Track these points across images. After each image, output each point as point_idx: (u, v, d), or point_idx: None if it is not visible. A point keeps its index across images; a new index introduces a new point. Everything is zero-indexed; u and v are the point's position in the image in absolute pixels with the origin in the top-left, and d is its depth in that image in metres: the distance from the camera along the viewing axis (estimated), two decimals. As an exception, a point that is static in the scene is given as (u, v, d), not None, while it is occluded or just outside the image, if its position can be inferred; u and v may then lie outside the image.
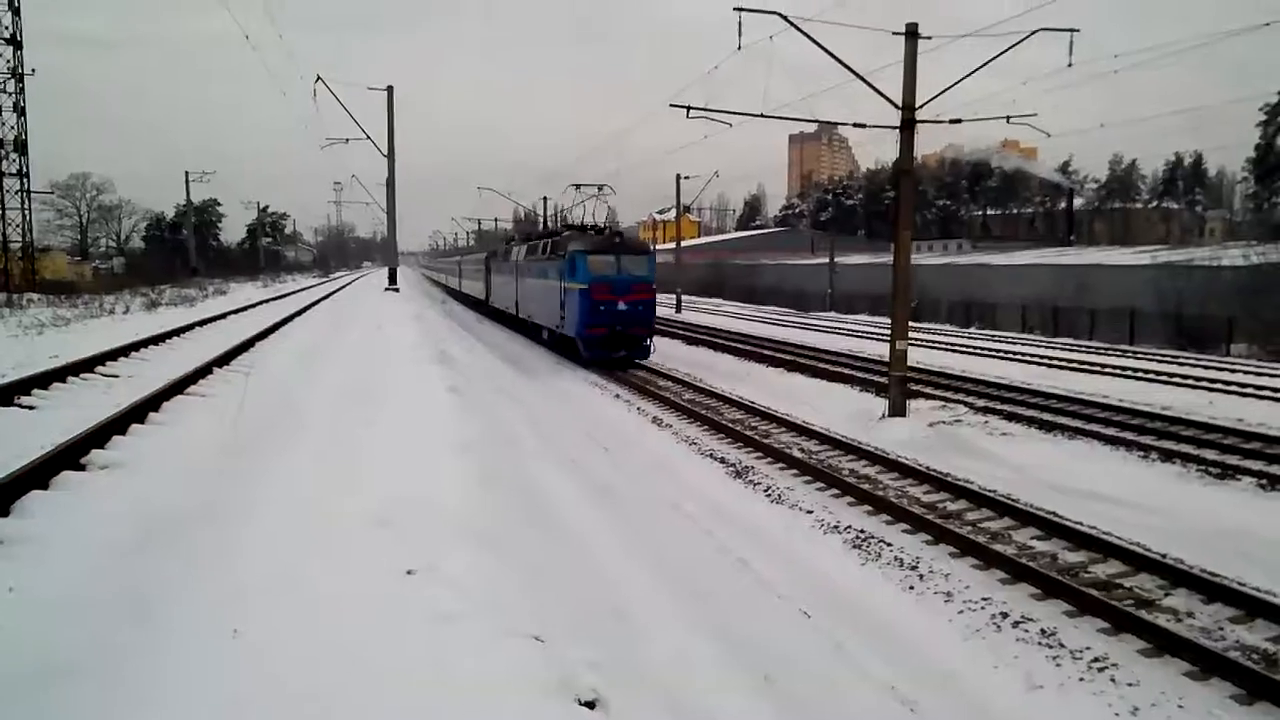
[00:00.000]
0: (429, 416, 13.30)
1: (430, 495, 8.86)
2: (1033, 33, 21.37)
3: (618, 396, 23.84)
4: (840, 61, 22.14)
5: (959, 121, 24.81)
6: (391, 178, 45.81)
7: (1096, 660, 8.37)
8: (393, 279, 51.21)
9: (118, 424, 11.45)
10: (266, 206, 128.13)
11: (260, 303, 46.80)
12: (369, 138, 44.20)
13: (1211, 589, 9.72)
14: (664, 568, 9.76)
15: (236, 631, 5.64)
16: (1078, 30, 21.51)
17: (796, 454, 16.29)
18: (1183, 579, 10.06)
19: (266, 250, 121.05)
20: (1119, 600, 9.58)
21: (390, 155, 44.75)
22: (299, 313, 38.22)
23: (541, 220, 75.17)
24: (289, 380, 17.06)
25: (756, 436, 17.88)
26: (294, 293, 62.89)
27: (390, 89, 44.14)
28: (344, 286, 76.30)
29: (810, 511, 13.07)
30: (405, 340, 24.89)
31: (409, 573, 6.70)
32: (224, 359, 19.51)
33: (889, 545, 11.55)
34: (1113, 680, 8.01)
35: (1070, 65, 21.93)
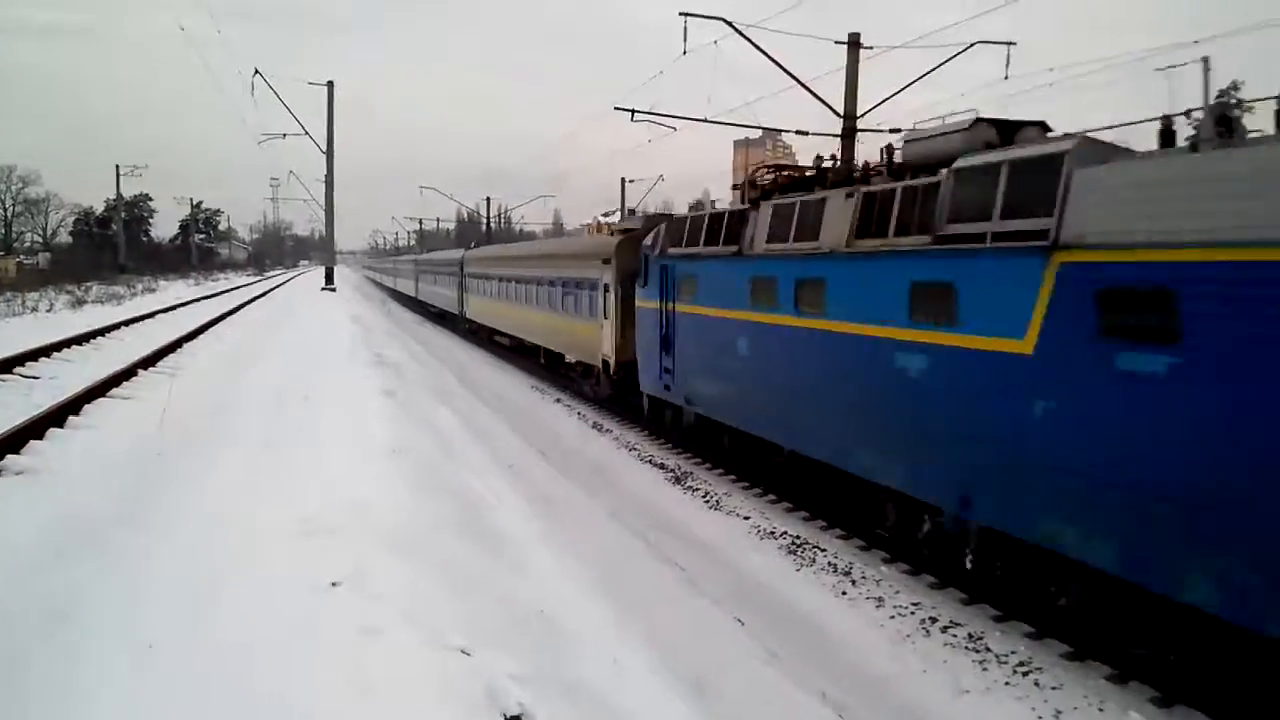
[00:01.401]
0: (362, 422, 13.06)
1: (360, 503, 8.68)
2: (970, 45, 21.84)
3: (558, 401, 23.73)
4: (783, 68, 22.34)
5: (898, 131, 25.28)
6: (330, 174, 45.09)
7: (1022, 664, 8.54)
8: (330, 279, 50.34)
9: (35, 428, 11.02)
10: (200, 202, 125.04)
11: (191, 301, 45.62)
12: (307, 133, 43.50)
13: None
14: (600, 575, 9.70)
15: (151, 646, 5.44)
16: (1014, 44, 22.05)
17: (733, 461, 16.32)
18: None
19: (199, 247, 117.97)
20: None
21: (329, 152, 44.03)
22: (231, 312, 37.31)
23: (485, 221, 74.58)
24: (218, 383, 16.62)
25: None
26: (226, 291, 61.45)
27: (330, 84, 43.44)
28: (279, 286, 74.73)
29: (747, 518, 13.13)
30: (341, 343, 24.45)
31: (334, 584, 6.54)
32: (150, 360, 18.95)
33: (823, 551, 11.65)
34: (1037, 684, 8.17)
35: (1007, 78, 22.46)
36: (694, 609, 9.43)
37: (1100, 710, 7.67)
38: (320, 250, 76.94)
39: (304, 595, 6.25)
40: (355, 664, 5.19)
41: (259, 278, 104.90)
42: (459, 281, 42.29)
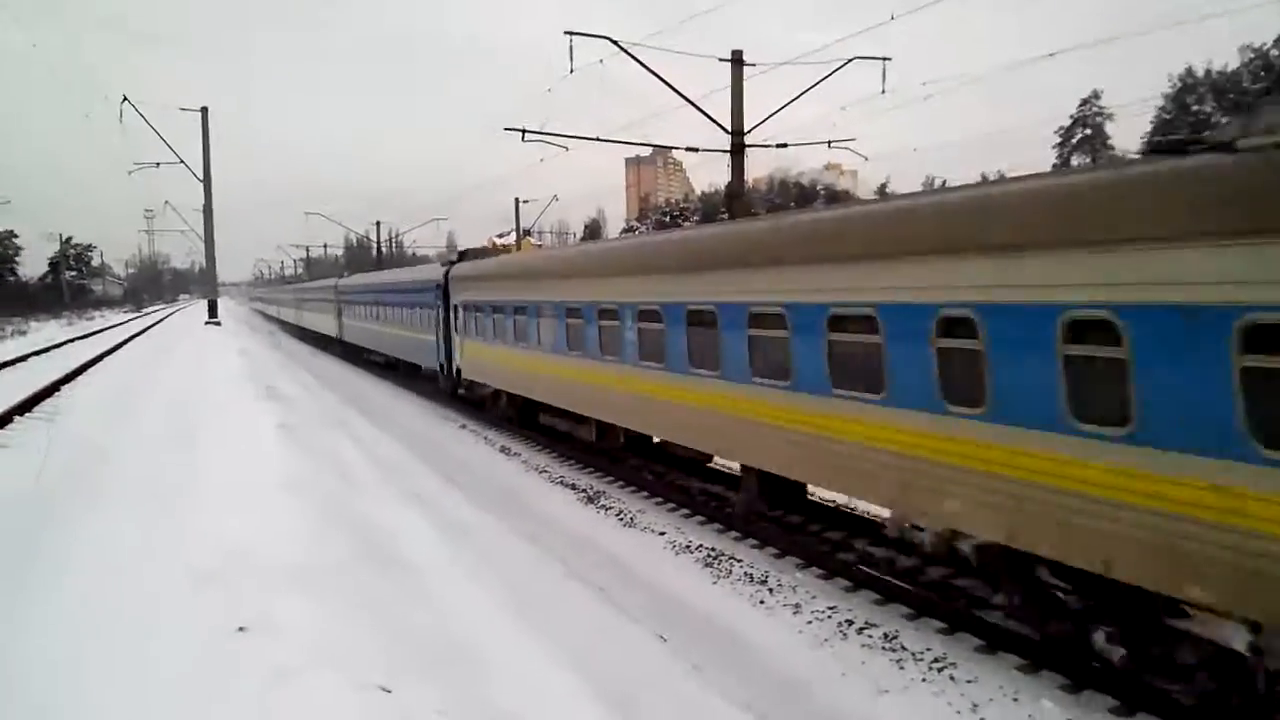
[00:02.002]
0: (257, 458, 12.56)
1: (261, 543, 8.33)
2: (848, 61, 22.62)
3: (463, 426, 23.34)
4: (670, 86, 22.67)
5: (785, 146, 25.97)
6: (209, 203, 43.50)
7: (937, 661, 8.73)
8: (213, 311, 48.46)
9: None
10: (70, 238, 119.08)
11: (66, 343, 43.22)
12: (182, 161, 41.82)
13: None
14: (519, 601, 9.54)
15: (44, 709, 5.08)
16: (890, 59, 22.93)
17: (647, 476, 16.30)
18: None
19: (71, 285, 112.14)
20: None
21: (207, 180, 42.48)
22: (110, 352, 35.51)
23: (375, 246, 73.02)
24: (100, 427, 15.74)
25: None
26: (103, 330, 58.50)
27: (205, 110, 41.96)
28: (159, 322, 71.54)
29: (663, 533, 13.12)
30: (229, 377, 23.52)
31: (240, 630, 6.23)
32: (26, 405, 17.85)
33: (739, 561, 11.72)
34: (952, 679, 8.37)
35: (884, 92, 23.30)
36: (615, 628, 9.34)
37: (1015, 700, 7.89)
38: (201, 283, 73.70)
39: (209, 643, 5.94)
40: (270, 709, 4.95)
41: (137, 314, 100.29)
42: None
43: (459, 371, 24.34)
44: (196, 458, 12.01)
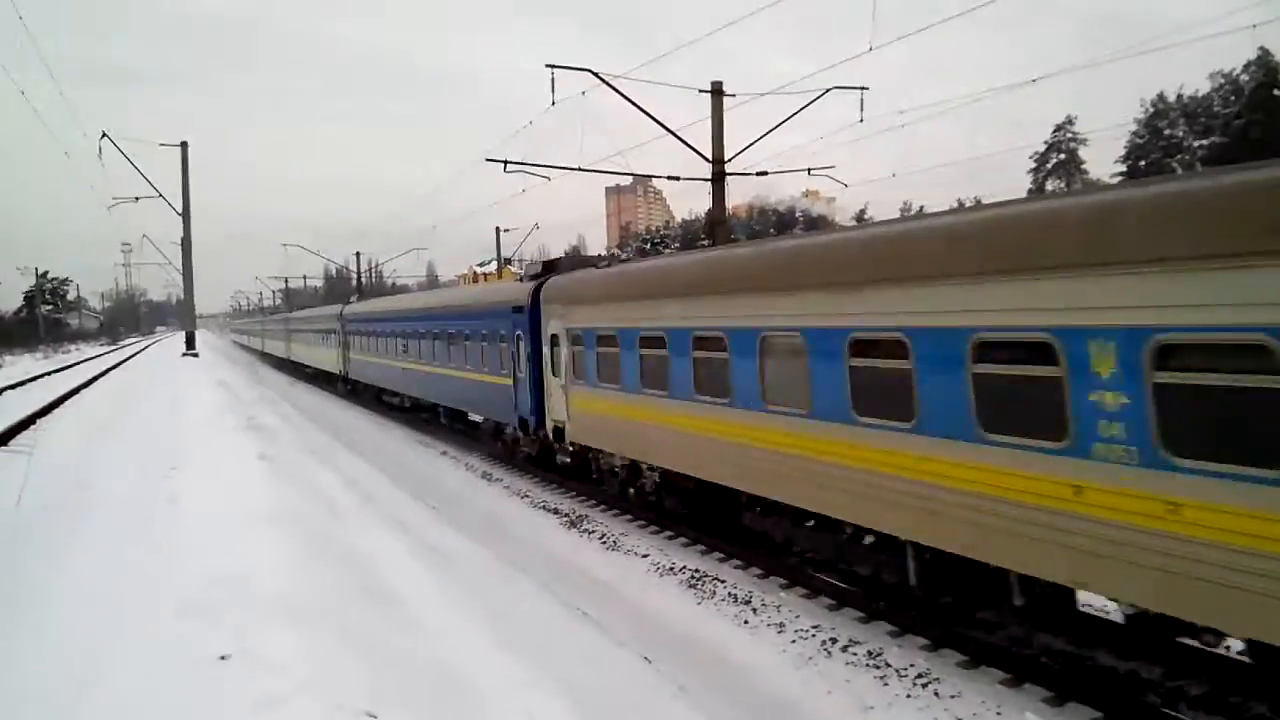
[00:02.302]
0: (239, 487, 12.48)
1: (241, 574, 8.27)
2: (826, 91, 22.96)
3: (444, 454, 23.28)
4: (651, 117, 22.92)
5: (765, 174, 26.29)
6: (187, 237, 43.30)
7: (921, 676, 8.79)
8: (191, 343, 48.09)
9: None
10: (46, 272, 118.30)
11: (41, 376, 42.85)
12: (161, 195, 41.67)
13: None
14: (504, 626, 9.52)
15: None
16: (867, 88, 23.29)
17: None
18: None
19: (46, 319, 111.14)
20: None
21: (185, 214, 42.31)
22: (87, 384, 35.22)
23: (356, 276, 72.90)
24: (79, 459, 15.62)
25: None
26: (79, 363, 57.99)
27: (184, 145, 41.86)
28: (136, 354, 70.97)
29: (646, 555, 13.13)
30: (208, 409, 23.37)
31: (223, 658, 6.19)
32: (3, 438, 17.68)
33: (723, 582, 11.74)
34: (937, 694, 8.42)
35: (861, 120, 23.65)
36: (601, 651, 9.32)
37: (998, 714, 7.95)
38: (178, 315, 73.59)
39: (191, 672, 5.90)
40: (255, 738, 4.93)
41: (114, 347, 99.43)
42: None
43: (558, 430, 17.70)
44: (179, 488, 11.93)
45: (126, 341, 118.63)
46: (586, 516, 15.66)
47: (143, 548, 9.18)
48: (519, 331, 18.86)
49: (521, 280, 21.16)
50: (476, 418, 23.69)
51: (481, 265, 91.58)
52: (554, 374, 17.44)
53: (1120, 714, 7.67)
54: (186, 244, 43.67)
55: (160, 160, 41.25)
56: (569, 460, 17.59)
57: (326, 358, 42.16)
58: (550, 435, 17.89)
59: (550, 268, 19.59)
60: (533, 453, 19.52)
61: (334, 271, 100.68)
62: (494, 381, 20.51)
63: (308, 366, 48.92)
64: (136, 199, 42.84)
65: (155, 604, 7.39)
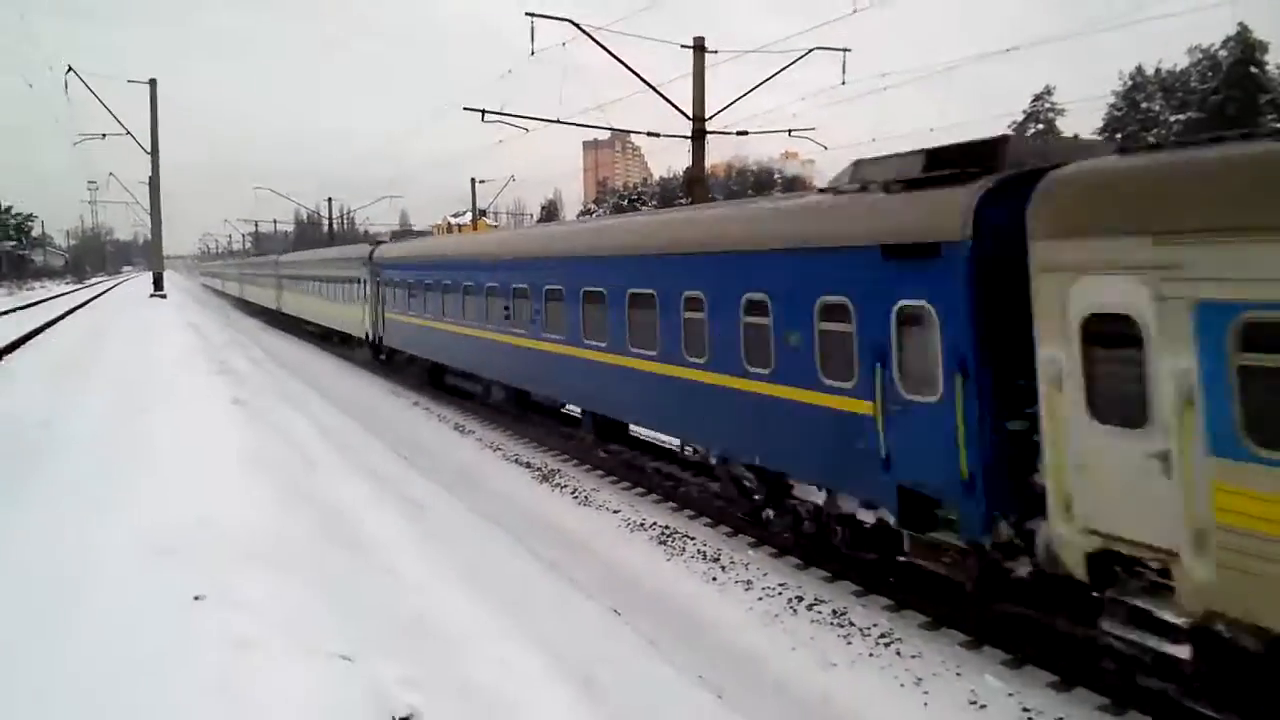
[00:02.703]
0: (209, 432, 12.43)
1: (214, 516, 8.28)
2: (809, 51, 22.77)
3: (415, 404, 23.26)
4: (632, 70, 22.65)
5: (745, 133, 26.09)
6: (156, 176, 42.49)
7: (884, 636, 8.99)
8: (159, 285, 47.39)
9: None
10: (10, 207, 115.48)
11: (5, 312, 42.09)
12: (129, 133, 40.74)
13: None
14: (477, 576, 9.61)
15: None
16: (849, 50, 23.12)
17: (602, 454, 16.40)
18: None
19: (10, 255, 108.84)
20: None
21: (154, 152, 41.46)
22: (53, 322, 34.68)
23: (328, 222, 71.95)
24: (44, 399, 15.44)
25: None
26: (44, 301, 57.00)
27: (153, 82, 40.88)
28: (103, 294, 69.83)
29: (617, 511, 13.26)
30: (179, 350, 23.13)
31: (196, 598, 6.22)
32: (-37, 376, 17.38)
33: (692, 539, 11.89)
34: (898, 654, 8.62)
35: (844, 83, 23.51)
36: (572, 604, 9.45)
37: (958, 675, 8.16)
38: (146, 256, 72.18)
39: (166, 612, 5.93)
40: (230, 676, 4.97)
41: (80, 286, 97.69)
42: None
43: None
44: (150, 430, 11.88)
45: (93, 280, 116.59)
46: (558, 471, 15.74)
47: (113, 489, 9.15)
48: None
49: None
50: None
51: (455, 216, 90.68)
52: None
53: (1076, 677, 7.91)
54: (154, 184, 42.88)
55: (129, 98, 40.27)
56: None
57: (344, 315, 32.24)
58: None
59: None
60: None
61: (305, 217, 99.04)
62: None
63: (309, 323, 39.76)
64: (104, 135, 41.92)
65: (124, 547, 7.37)
